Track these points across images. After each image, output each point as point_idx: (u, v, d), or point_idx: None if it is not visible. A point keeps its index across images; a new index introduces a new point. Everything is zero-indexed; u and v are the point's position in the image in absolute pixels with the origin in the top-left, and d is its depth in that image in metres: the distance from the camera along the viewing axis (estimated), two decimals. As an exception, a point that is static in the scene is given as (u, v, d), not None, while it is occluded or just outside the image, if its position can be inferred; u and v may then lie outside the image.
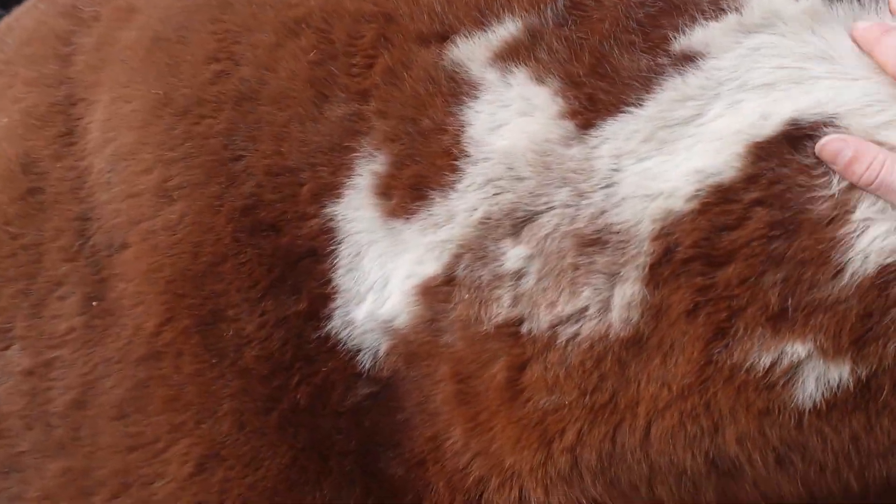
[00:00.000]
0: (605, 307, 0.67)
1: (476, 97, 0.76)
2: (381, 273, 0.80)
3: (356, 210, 0.81)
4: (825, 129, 0.60)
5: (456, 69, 0.78)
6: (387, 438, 0.82)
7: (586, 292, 0.67)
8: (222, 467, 0.80)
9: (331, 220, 0.82)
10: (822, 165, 0.60)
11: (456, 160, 0.75)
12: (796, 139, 0.61)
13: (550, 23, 0.73)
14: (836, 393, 0.59)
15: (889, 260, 0.57)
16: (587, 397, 0.68)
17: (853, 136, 0.59)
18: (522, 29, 0.75)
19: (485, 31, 0.77)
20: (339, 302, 0.82)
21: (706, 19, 0.67)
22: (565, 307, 0.68)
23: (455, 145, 0.75)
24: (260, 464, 0.80)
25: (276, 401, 0.82)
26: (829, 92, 0.61)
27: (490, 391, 0.74)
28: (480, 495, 0.78)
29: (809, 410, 0.60)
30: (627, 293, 0.65)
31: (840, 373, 0.58)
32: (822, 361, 0.59)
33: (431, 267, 0.76)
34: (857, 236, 0.58)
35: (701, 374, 0.62)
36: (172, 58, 0.91)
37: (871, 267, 0.57)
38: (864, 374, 0.58)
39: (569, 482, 0.73)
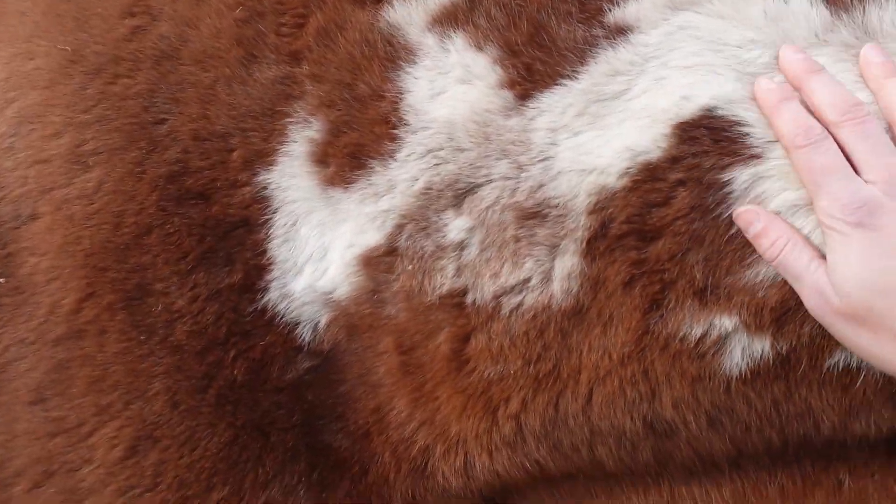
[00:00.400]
0: (547, 278, 0.67)
1: (414, 63, 0.73)
2: (320, 243, 0.78)
3: (291, 178, 0.78)
4: (738, 127, 0.61)
5: (393, 32, 0.75)
6: (330, 411, 0.81)
7: (528, 264, 0.68)
8: (156, 449, 0.77)
9: (264, 188, 0.79)
10: (730, 166, 0.62)
11: (395, 128, 0.72)
12: (713, 129, 0.62)
13: (488, -12, 0.71)
14: (759, 363, 0.62)
15: None
16: (531, 366, 0.69)
17: (763, 210, 0.60)
18: (461, -7, 0.73)
19: (422, -7, 0.74)
20: (275, 273, 0.79)
21: None
22: (508, 278, 0.68)
23: (393, 113, 0.73)
24: (197, 444, 0.78)
25: (212, 378, 0.80)
26: (736, 88, 0.62)
27: (435, 362, 0.74)
28: (426, 463, 0.79)
29: (736, 378, 0.63)
30: (567, 265, 0.66)
31: (762, 346, 0.62)
32: (746, 335, 0.62)
33: (373, 237, 0.75)
34: None
35: (639, 343, 0.64)
36: (81, 10, 0.83)
37: None
38: (783, 348, 0.61)
39: (513, 447, 0.75)
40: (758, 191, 0.61)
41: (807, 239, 0.59)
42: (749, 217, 0.60)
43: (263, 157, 0.79)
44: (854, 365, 0.61)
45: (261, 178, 0.79)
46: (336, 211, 0.76)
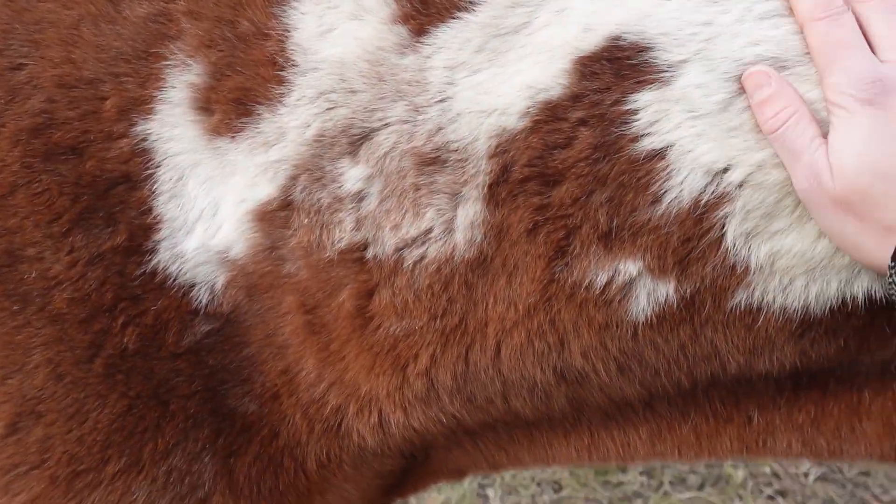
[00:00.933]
0: (450, 228, 0.64)
1: None
2: (210, 199, 0.72)
3: (173, 128, 0.71)
4: (643, 54, 0.58)
5: (276, -38, 0.68)
6: (234, 375, 0.77)
7: (429, 213, 0.64)
8: (40, 424, 0.72)
9: (144, 139, 0.72)
10: (635, 94, 0.59)
11: (282, 70, 0.67)
12: (616, 59, 0.59)
13: (381, -87, 0.65)
14: (664, 308, 0.61)
15: (700, 194, 0.58)
16: (437, 321, 0.66)
17: (778, 75, 0.56)
18: (350, -80, 0.66)
19: (307, -84, 0.67)
20: (164, 233, 0.74)
21: None
22: (410, 229, 0.65)
23: (280, 53, 0.66)
24: (86, 416, 0.72)
25: (99, 347, 0.74)
26: (644, 7, 0.59)
27: (339, 320, 0.71)
28: (340, 422, 0.76)
29: (643, 323, 0.62)
30: (470, 213, 0.63)
31: (667, 290, 0.61)
32: (650, 279, 0.60)
33: (265, 190, 0.69)
34: (673, 172, 0.59)
35: (545, 293, 0.62)
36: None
37: (686, 199, 0.58)
38: (688, 291, 0.60)
39: (426, 402, 0.73)
40: (665, 121, 0.58)
41: (812, 114, 0.55)
42: (759, 79, 0.55)
43: (140, 104, 0.71)
44: (755, 304, 0.61)
45: (139, 128, 0.72)
46: (224, 163, 0.71)
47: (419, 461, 0.86)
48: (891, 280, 0.52)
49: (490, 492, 1.80)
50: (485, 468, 0.88)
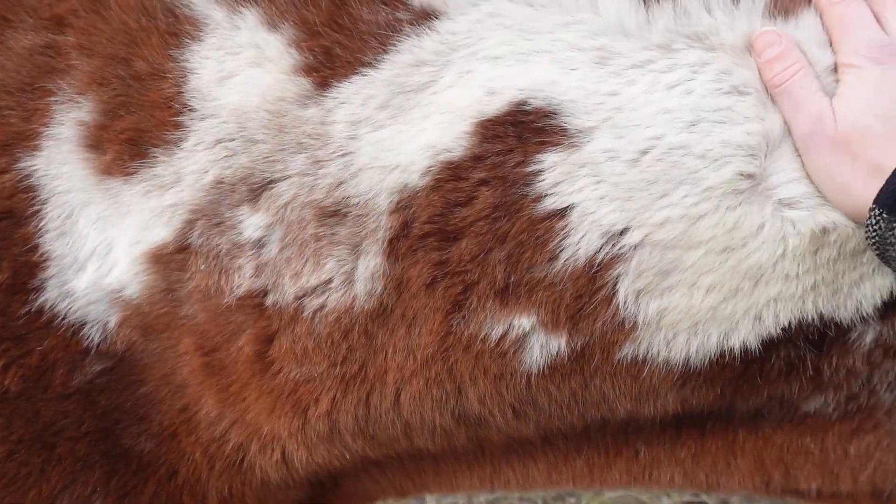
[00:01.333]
0: (350, 279, 0.64)
1: (200, 39, 0.65)
2: (103, 238, 0.70)
3: (61, 165, 0.68)
4: (547, 119, 0.60)
5: (175, 1, 0.66)
6: (129, 414, 0.74)
7: (330, 264, 0.64)
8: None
9: (29, 175, 0.69)
10: (539, 155, 0.61)
11: (179, 114, 0.65)
12: (520, 123, 0.61)
13: (285, -43, 0.64)
14: (556, 360, 0.64)
15: (595, 254, 0.61)
16: (337, 368, 0.66)
17: (787, 36, 0.60)
18: (253, -40, 0.65)
19: (208, -43, 0.66)
20: (52, 271, 0.70)
21: None
22: (310, 278, 0.64)
23: (177, 96, 0.65)
24: (-38, 465, 0.69)
25: (-22, 390, 0.70)
26: (549, 75, 0.61)
27: (239, 364, 0.70)
28: (242, 459, 0.76)
29: (536, 374, 0.64)
30: (370, 265, 0.63)
31: (559, 343, 0.63)
32: (543, 333, 0.63)
33: (160, 233, 0.67)
34: (571, 231, 0.61)
35: (442, 344, 0.63)
36: None
37: (581, 258, 0.61)
38: (578, 344, 0.63)
39: (330, 441, 0.73)
40: (568, 183, 0.60)
41: (816, 75, 0.59)
42: (769, 38, 0.59)
43: (24, 140, 0.68)
44: (641, 357, 0.64)
45: (24, 164, 0.68)
46: (117, 203, 0.68)
47: (329, 488, 0.86)
48: (869, 222, 0.55)
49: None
50: (393, 495, 0.89)
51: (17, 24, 0.66)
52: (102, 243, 0.69)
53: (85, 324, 0.71)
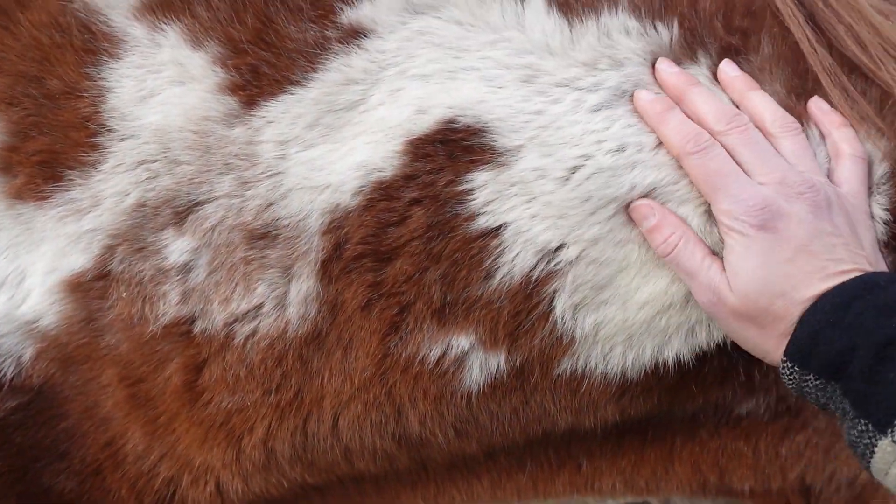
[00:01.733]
0: (282, 303, 0.62)
1: (119, 57, 0.63)
2: (14, 266, 0.65)
3: (-34, 190, 0.64)
4: (476, 138, 0.60)
5: (91, 17, 0.63)
6: (48, 452, 0.70)
7: (261, 288, 0.62)
8: None
9: (-70, 203, 0.64)
10: (470, 174, 0.61)
11: (97, 135, 0.62)
12: (450, 141, 0.61)
13: (209, -28, 0.62)
14: (496, 377, 0.63)
15: (531, 271, 0.61)
16: (272, 395, 0.64)
17: (659, 205, 0.60)
18: (176, -26, 0.63)
19: (127, -29, 0.63)
20: (-41, 304, 0.66)
21: None
22: (240, 303, 0.62)
23: (94, 116, 0.62)
24: None
25: None
26: (477, 93, 0.61)
27: (166, 394, 0.67)
28: (173, 493, 0.72)
29: (476, 392, 0.64)
30: (303, 288, 0.62)
31: (498, 361, 0.63)
32: (482, 352, 0.62)
33: (78, 260, 0.64)
34: (505, 250, 0.61)
35: (380, 367, 0.62)
36: None
37: (517, 275, 0.61)
38: (517, 361, 0.63)
39: (266, 470, 0.70)
40: (500, 201, 0.61)
41: (698, 236, 0.59)
42: (644, 211, 0.60)
43: (-75, 164, 0.63)
44: (580, 371, 0.65)
45: (-75, 189, 0.64)
46: (30, 230, 0.64)
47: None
48: (784, 371, 0.57)
49: None
50: (335, 518, 0.87)
51: (-86, 41, 0.62)
52: (14, 272, 0.65)
53: (-3, 358, 0.67)
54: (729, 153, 0.60)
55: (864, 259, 0.57)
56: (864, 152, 0.62)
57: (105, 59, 0.62)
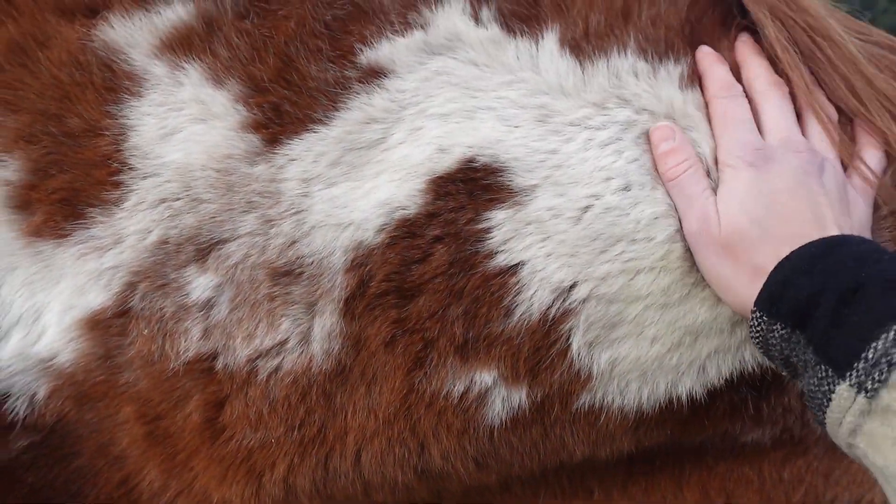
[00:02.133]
0: (306, 339, 0.63)
1: (140, 95, 0.63)
2: (30, 304, 0.65)
3: (-17, 228, 0.63)
4: (494, 177, 0.61)
5: (112, 56, 0.63)
6: (61, 492, 0.69)
7: (285, 324, 0.62)
8: None
9: (-54, 239, 0.63)
10: (488, 212, 0.62)
11: (118, 173, 0.62)
12: (470, 180, 0.62)
13: (230, 12, 0.62)
14: (517, 412, 0.64)
15: (548, 309, 0.62)
16: (295, 431, 0.64)
17: (681, 132, 0.63)
18: (196, 15, 0.63)
19: (147, 10, 0.63)
20: (-30, 341, 0.65)
21: (394, 33, 0.63)
22: (264, 339, 0.62)
23: (115, 154, 0.61)
24: None
25: None
26: (494, 132, 0.62)
27: (186, 431, 0.66)
28: (190, 529, 0.71)
29: (499, 426, 0.64)
30: (327, 324, 0.62)
31: (520, 396, 0.64)
32: (504, 387, 0.63)
33: (98, 298, 0.63)
34: (524, 288, 0.62)
35: (405, 402, 0.63)
36: None
37: (535, 313, 0.62)
38: (538, 396, 0.64)
39: None
40: (517, 240, 0.62)
41: (705, 170, 0.62)
42: (665, 133, 0.62)
43: (-59, 201, 0.63)
44: (598, 405, 0.66)
45: (-59, 227, 0.63)
46: (49, 267, 0.64)
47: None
48: (752, 324, 0.58)
49: None
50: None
51: (-68, 78, 0.61)
52: (30, 310, 0.65)
53: (9, 396, 0.66)
54: (756, 109, 0.65)
55: (847, 227, 0.59)
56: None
57: (126, 97, 0.62)
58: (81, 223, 0.61)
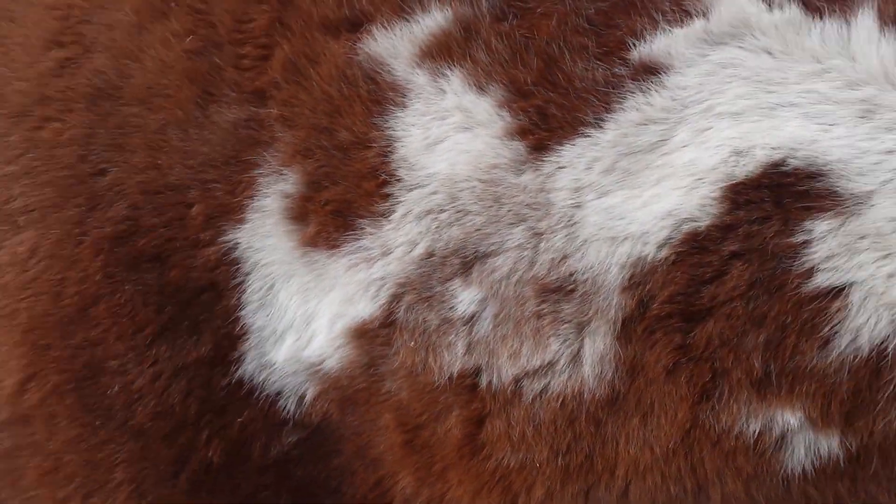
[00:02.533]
0: (577, 361, 0.58)
1: (404, 105, 0.62)
2: (304, 310, 0.68)
3: (265, 238, 0.67)
4: (811, 182, 0.52)
5: (376, 68, 0.63)
6: (323, 487, 0.72)
7: (554, 344, 0.58)
8: (123, 546, 0.68)
9: (233, 248, 0.68)
10: (805, 223, 0.53)
11: (386, 184, 0.61)
12: (778, 186, 0.52)
13: (487, 15, 0.60)
14: (825, 462, 0.54)
15: (883, 343, 0.52)
16: (560, 457, 0.61)
17: None
18: (453, 20, 0.61)
19: (407, 20, 0.62)
20: (251, 343, 0.69)
21: (668, 23, 0.56)
22: (531, 359, 0.59)
23: (383, 166, 0.61)
24: (170, 539, 0.68)
25: (184, 462, 0.70)
26: (805, 132, 0.53)
27: (445, 445, 0.65)
28: (439, 535, 0.71)
29: (799, 476, 0.55)
30: (599, 347, 0.57)
31: (829, 443, 0.54)
32: (811, 432, 0.54)
33: (366, 308, 0.64)
34: (851, 314, 0.52)
35: (687, 437, 0.56)
36: (-3, 39, 0.70)
37: (864, 346, 0.52)
38: (853, 445, 0.54)
39: None
40: (846, 256, 0.52)
41: None
42: None
43: (229, 213, 0.67)
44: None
45: (228, 237, 0.67)
46: (321, 276, 0.66)
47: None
48: None
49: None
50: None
51: (220, 99, 0.66)
52: (302, 316, 0.68)
53: (281, 394, 0.70)
54: None
55: None
56: None
57: (391, 108, 0.61)
58: (352, 234, 0.62)
